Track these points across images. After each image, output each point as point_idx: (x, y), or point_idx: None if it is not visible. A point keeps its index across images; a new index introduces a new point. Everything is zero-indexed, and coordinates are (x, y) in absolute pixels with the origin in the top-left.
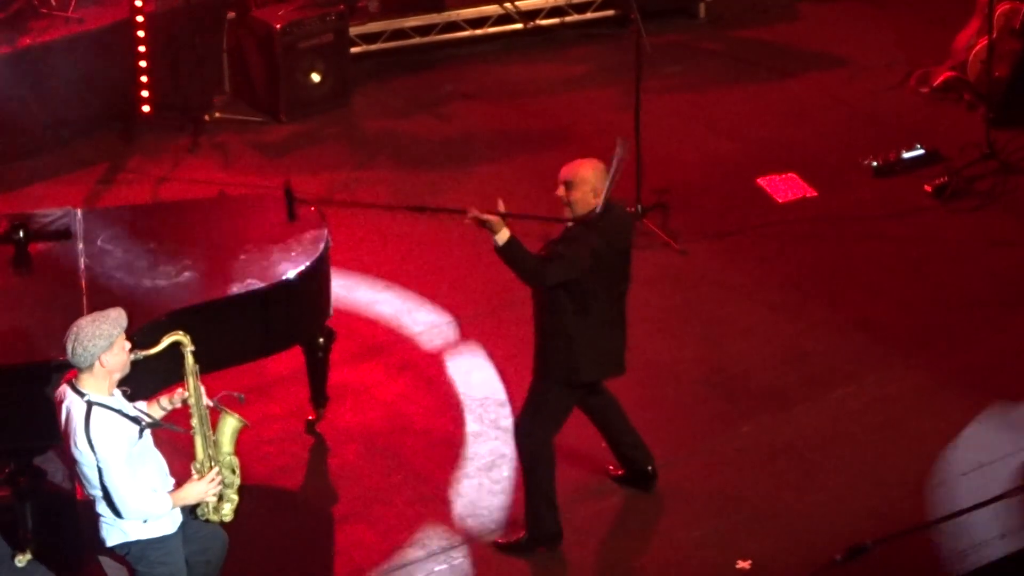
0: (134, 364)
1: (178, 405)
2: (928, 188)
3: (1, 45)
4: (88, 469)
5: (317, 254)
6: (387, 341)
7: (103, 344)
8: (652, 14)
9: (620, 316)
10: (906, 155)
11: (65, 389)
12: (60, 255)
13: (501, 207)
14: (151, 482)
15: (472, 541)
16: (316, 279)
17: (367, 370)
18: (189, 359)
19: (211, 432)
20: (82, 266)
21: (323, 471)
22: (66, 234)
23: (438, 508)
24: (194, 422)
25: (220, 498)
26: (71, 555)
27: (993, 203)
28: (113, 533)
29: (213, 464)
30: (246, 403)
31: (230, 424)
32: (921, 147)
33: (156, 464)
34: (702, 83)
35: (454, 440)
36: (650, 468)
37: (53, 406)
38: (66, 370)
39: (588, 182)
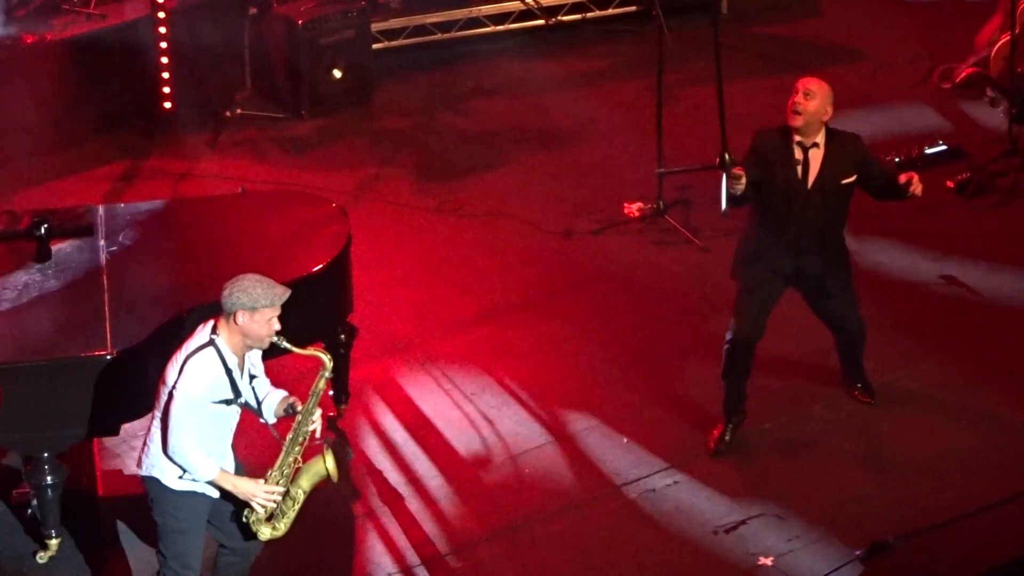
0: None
1: (289, 415)
2: (951, 184)
3: (23, 41)
4: (165, 389)
5: (339, 250)
6: (409, 337)
7: (246, 302)
8: (674, 10)
9: None
10: (928, 151)
11: (211, 321)
12: (82, 251)
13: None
14: (208, 447)
15: (494, 537)
16: (338, 275)
17: (389, 366)
18: (320, 382)
19: (299, 458)
20: (103, 262)
21: (344, 467)
22: (88, 230)
23: (460, 504)
24: (289, 436)
25: (270, 516)
26: (93, 551)
27: (1016, 199)
28: (148, 464)
29: (281, 484)
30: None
31: (321, 467)
32: (943, 143)
33: (223, 440)
34: (724, 79)
35: (476, 436)
36: None
37: (72, 403)
38: (82, 366)
39: (826, 97)
